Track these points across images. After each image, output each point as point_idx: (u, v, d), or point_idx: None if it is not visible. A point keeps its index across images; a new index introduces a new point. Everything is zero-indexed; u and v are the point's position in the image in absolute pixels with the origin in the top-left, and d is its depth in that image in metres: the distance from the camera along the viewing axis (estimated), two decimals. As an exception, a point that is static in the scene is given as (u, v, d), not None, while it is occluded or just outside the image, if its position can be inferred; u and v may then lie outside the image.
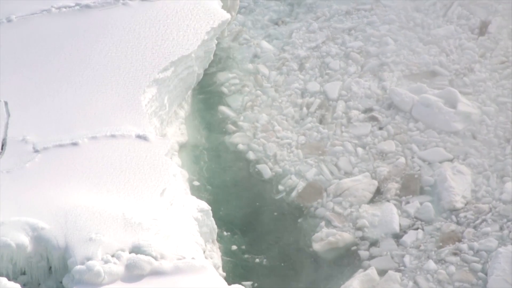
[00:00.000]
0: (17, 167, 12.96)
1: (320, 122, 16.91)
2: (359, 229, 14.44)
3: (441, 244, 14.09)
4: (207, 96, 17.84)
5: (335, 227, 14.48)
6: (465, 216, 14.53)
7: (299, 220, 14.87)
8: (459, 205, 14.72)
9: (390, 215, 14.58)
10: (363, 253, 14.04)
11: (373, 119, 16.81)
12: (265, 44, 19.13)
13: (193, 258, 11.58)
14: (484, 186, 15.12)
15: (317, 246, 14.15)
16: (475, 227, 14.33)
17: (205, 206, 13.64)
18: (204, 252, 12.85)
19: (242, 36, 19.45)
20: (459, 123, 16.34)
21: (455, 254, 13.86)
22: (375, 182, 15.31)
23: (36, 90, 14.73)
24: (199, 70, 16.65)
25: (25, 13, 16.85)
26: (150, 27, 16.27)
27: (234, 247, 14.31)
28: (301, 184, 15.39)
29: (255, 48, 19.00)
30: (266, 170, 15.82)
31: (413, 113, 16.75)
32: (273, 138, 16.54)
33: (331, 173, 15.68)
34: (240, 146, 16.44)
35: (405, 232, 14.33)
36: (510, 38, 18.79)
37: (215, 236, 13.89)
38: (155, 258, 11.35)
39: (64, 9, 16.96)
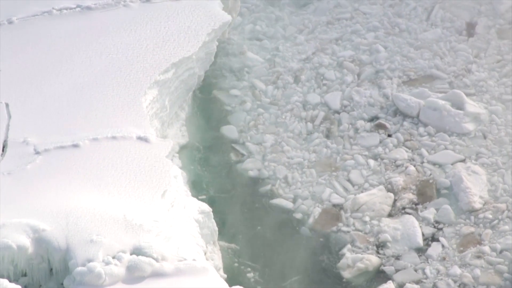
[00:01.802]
0: (18, 169, 12.95)
1: (327, 136, 16.66)
2: (382, 245, 14.24)
3: (462, 248, 14.04)
4: (208, 113, 17.47)
5: (359, 248, 14.22)
6: (484, 217, 14.50)
7: (321, 247, 14.49)
8: (477, 205, 14.68)
9: (412, 228, 14.43)
10: (389, 269, 13.86)
11: (381, 127, 16.65)
12: (251, 55, 18.81)
13: (194, 260, 11.57)
14: (501, 184, 15.11)
15: (346, 274, 13.83)
16: (492, 228, 14.30)
17: (206, 207, 13.64)
18: (205, 253, 12.86)
19: (230, 41, 19.19)
20: (469, 124, 16.35)
21: (478, 257, 13.82)
22: (391, 195, 15.16)
23: (37, 91, 14.74)
24: (199, 72, 16.65)
25: (26, 14, 16.87)
26: (151, 29, 16.29)
27: (253, 278, 14.00)
28: (317, 210, 14.99)
29: (244, 60, 18.69)
30: (282, 203, 15.30)
31: (421, 118, 16.67)
32: (284, 158, 16.16)
33: (346, 189, 15.44)
34: (251, 173, 15.99)
35: (428, 245, 14.18)
36: (500, 37, 18.89)
37: (216, 238, 13.88)
38: (156, 260, 11.34)
39: (65, 11, 16.98)
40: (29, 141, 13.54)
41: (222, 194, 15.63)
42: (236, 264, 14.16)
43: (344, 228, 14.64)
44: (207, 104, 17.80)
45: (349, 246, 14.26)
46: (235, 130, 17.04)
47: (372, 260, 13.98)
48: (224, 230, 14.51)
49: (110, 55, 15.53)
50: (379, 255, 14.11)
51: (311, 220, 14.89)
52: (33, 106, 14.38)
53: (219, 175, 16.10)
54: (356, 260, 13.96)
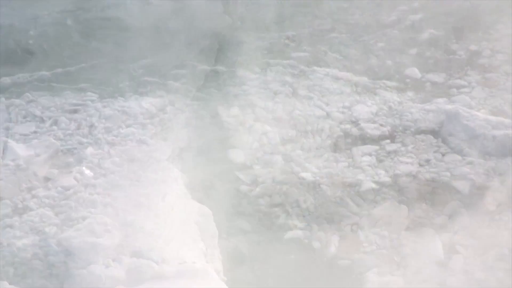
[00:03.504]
0: (18, 171, 12.97)
1: (334, 151, 16.50)
2: (405, 262, 14.17)
3: (481, 252, 14.04)
4: (208, 135, 17.26)
5: (384, 269, 14.07)
6: (499, 218, 14.50)
7: (344, 273, 14.27)
8: (491, 207, 14.71)
9: (433, 241, 14.39)
10: (412, 285, 13.85)
11: (388, 136, 16.58)
12: (242, 71, 18.45)
13: (194, 263, 11.58)
14: None
15: None
16: (509, 230, 14.35)
17: (206, 210, 13.64)
18: (205, 256, 12.86)
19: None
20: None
21: (499, 259, 13.83)
22: (405, 207, 15.07)
23: (37, 93, 14.80)
24: (200, 74, 16.67)
25: (26, 16, 16.95)
26: (152, 31, 16.35)
27: None
28: (335, 238, 14.84)
29: (235, 76, 18.14)
30: (297, 234, 14.50)
31: (430, 125, 16.65)
32: (295, 179, 16.11)
33: (358, 206, 15.29)
34: (261, 201, 15.83)
35: (450, 258, 14.13)
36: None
37: (216, 241, 13.86)
38: (156, 262, 11.35)
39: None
40: (29, 143, 13.56)
41: (233, 226, 15.29)
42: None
43: (368, 249, 14.43)
44: (207, 125, 17.55)
45: (374, 269, 14.07)
46: (241, 153, 16.70)
47: (398, 283, 13.81)
48: (238, 263, 14.31)
49: (111, 57, 15.59)
50: (405, 276, 13.98)
51: (332, 249, 14.58)
52: (33, 108, 14.41)
53: (228, 204, 15.78)
54: (382, 284, 13.79)
